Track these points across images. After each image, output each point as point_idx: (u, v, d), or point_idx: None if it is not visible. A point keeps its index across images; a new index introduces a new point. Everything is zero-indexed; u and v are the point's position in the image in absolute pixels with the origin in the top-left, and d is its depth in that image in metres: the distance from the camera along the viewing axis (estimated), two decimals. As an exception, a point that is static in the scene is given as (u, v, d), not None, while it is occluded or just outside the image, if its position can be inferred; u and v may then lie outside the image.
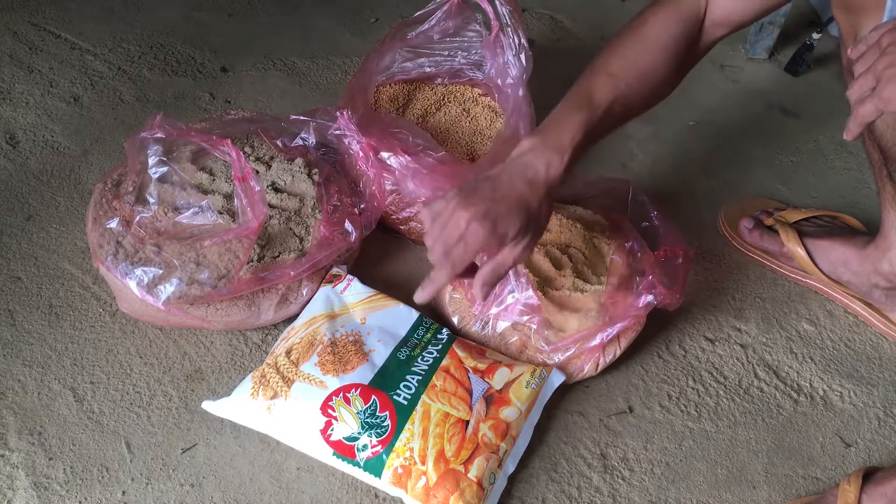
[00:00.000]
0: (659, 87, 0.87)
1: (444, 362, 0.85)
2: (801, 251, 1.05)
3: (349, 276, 0.94)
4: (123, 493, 0.79)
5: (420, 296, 0.76)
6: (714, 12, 0.87)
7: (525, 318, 0.90)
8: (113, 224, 0.89)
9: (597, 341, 0.89)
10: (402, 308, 0.92)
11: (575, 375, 0.91)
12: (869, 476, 0.80)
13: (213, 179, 0.96)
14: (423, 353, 0.86)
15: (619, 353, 0.92)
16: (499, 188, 0.76)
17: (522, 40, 1.08)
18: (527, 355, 0.91)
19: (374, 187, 0.98)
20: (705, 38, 0.89)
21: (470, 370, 0.85)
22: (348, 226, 0.95)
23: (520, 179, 0.76)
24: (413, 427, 0.79)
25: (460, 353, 0.87)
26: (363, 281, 0.94)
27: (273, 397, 0.81)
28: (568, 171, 0.79)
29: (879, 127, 0.90)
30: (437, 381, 0.83)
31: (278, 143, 1.01)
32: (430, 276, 0.75)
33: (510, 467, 0.82)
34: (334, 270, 0.95)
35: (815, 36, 1.45)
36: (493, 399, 0.84)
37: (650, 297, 0.89)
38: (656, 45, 0.85)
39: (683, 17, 0.86)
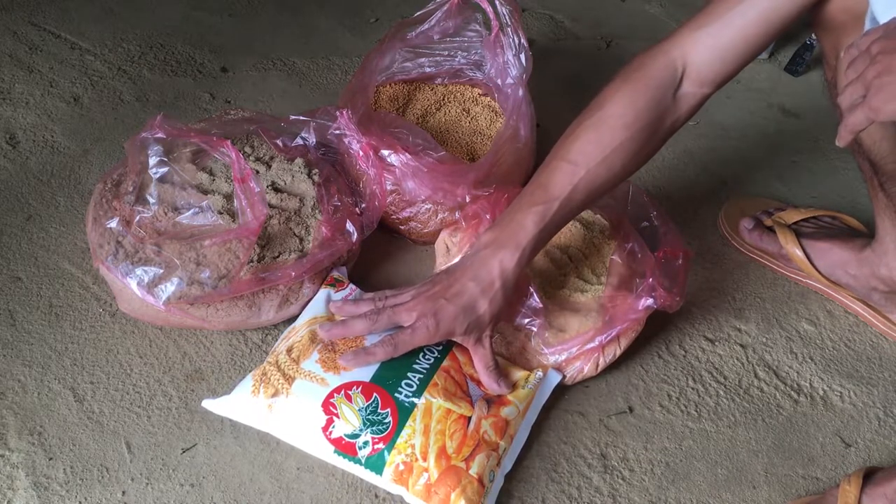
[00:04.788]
0: (627, 164, 0.84)
1: (445, 363, 0.85)
2: (799, 253, 1.05)
3: (351, 285, 0.94)
4: (123, 493, 0.79)
5: (349, 361, 0.82)
6: (700, 71, 0.83)
7: (527, 320, 0.90)
8: (113, 224, 0.89)
9: (595, 343, 0.89)
10: None
11: (575, 376, 0.91)
12: (869, 476, 0.80)
13: (213, 179, 0.96)
14: (424, 350, 0.86)
15: (618, 353, 0.92)
16: (453, 285, 0.82)
17: (522, 40, 1.08)
18: (526, 357, 0.91)
19: (374, 187, 0.98)
20: (690, 101, 0.85)
21: (468, 376, 0.85)
22: (349, 226, 0.95)
23: (472, 278, 0.82)
24: (414, 424, 0.79)
25: (460, 358, 0.87)
26: (364, 282, 0.94)
27: (274, 395, 0.81)
28: (524, 264, 0.83)
29: (867, 142, 0.91)
30: (439, 380, 0.83)
31: (278, 143, 1.01)
32: (369, 348, 0.82)
33: (508, 466, 0.83)
34: (336, 274, 0.95)
35: (815, 36, 1.45)
36: (493, 398, 0.84)
37: (650, 301, 0.89)
38: (619, 125, 0.82)
39: (652, 87, 0.83)
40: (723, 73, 0.84)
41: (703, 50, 0.83)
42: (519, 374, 0.88)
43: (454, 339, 0.84)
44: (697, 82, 0.84)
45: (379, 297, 0.85)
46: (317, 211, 0.96)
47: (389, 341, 0.81)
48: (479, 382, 0.85)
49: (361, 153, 0.98)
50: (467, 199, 0.99)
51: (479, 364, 0.85)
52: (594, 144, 0.82)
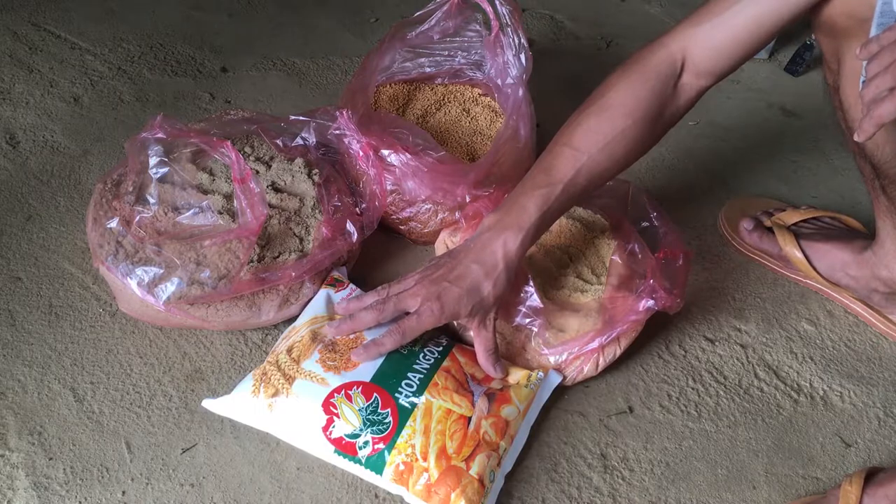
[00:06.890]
0: (629, 152, 0.86)
1: (446, 363, 0.85)
2: (798, 254, 1.05)
3: (351, 286, 0.94)
4: (123, 493, 0.79)
5: (360, 355, 0.83)
6: (698, 65, 0.86)
7: (528, 320, 0.90)
8: (113, 224, 0.89)
9: (595, 345, 0.89)
10: None
11: (575, 376, 0.91)
12: (871, 477, 0.80)
13: (213, 179, 0.96)
14: (424, 350, 0.86)
15: (619, 352, 0.91)
16: (456, 268, 0.82)
17: (522, 40, 1.08)
18: (526, 357, 0.91)
19: (374, 187, 0.98)
20: (689, 92, 0.87)
21: (469, 376, 0.85)
22: (349, 226, 0.95)
23: (475, 260, 0.82)
24: (415, 424, 0.79)
25: (461, 359, 0.87)
26: (364, 282, 0.94)
27: (274, 395, 0.81)
28: (527, 246, 0.84)
29: (869, 146, 0.91)
30: (439, 379, 0.83)
31: (278, 143, 1.01)
32: (378, 339, 0.82)
33: (508, 466, 0.83)
34: (336, 275, 0.95)
35: (816, 40, 1.45)
36: (494, 396, 0.84)
37: (650, 302, 0.88)
38: (620, 113, 0.84)
39: (652, 77, 0.85)
40: (720, 67, 0.87)
41: (699, 47, 0.85)
42: (520, 374, 0.88)
43: (458, 321, 0.84)
44: (695, 74, 0.86)
45: (383, 288, 0.86)
46: (317, 211, 0.96)
47: (396, 329, 0.81)
48: (479, 381, 0.85)
49: (361, 153, 0.98)
50: (467, 199, 0.99)
51: (480, 347, 0.85)
52: (596, 131, 0.84)
